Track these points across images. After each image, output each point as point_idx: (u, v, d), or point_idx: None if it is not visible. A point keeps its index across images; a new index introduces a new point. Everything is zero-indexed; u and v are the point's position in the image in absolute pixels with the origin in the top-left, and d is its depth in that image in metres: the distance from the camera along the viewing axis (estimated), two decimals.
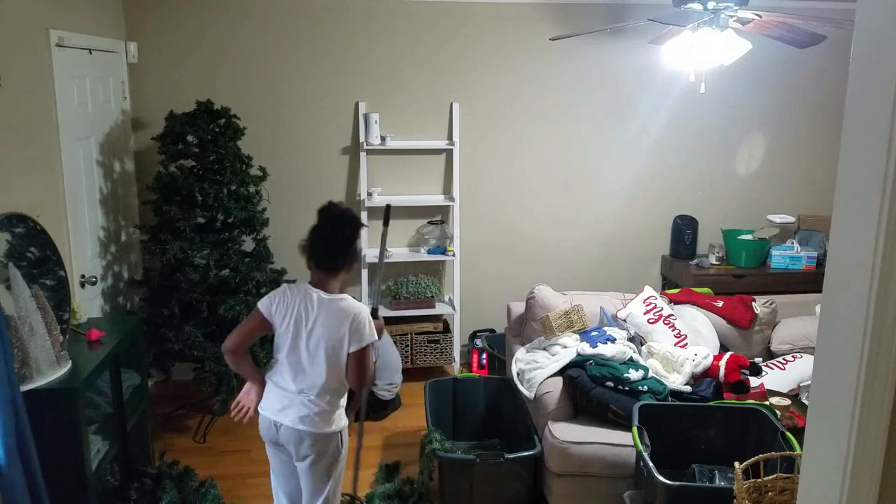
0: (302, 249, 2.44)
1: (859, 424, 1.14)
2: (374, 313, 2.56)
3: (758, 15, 3.18)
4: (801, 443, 1.82)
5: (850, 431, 1.15)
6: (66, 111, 3.28)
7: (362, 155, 4.49)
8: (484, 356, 4.51)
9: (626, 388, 2.99)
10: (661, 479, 2.26)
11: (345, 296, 2.43)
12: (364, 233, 4.50)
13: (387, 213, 2.88)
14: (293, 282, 2.56)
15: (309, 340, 2.37)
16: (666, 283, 4.96)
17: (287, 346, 2.39)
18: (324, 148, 4.53)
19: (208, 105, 3.87)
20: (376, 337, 2.42)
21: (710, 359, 3.25)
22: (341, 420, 2.47)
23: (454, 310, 4.66)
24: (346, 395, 2.51)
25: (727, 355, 3.26)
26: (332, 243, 2.42)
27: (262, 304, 2.43)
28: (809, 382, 2.02)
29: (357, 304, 2.41)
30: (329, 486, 2.47)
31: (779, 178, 4.98)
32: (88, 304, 3.49)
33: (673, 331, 3.49)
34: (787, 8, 3.95)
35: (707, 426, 2.75)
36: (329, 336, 2.35)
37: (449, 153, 4.64)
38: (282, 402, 2.41)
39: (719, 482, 2.52)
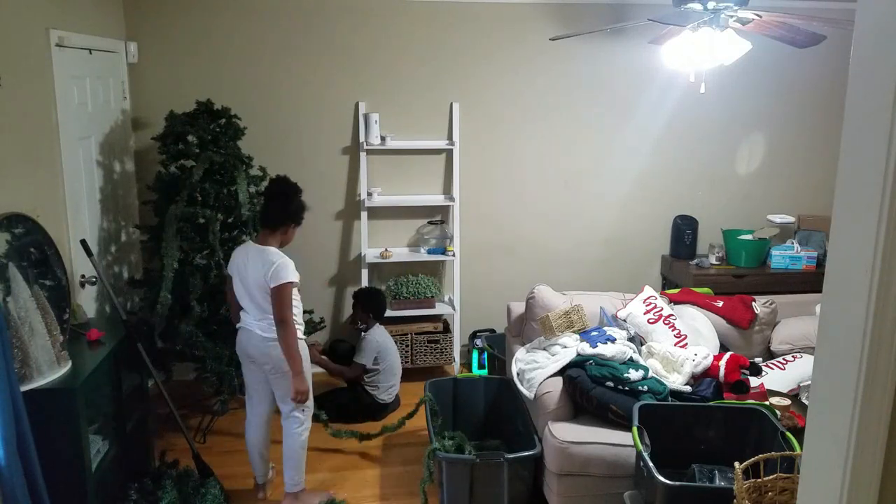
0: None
1: (859, 424, 1.14)
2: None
3: (758, 15, 3.18)
4: (801, 443, 1.82)
5: (850, 431, 1.15)
6: (66, 111, 3.28)
7: (362, 155, 4.49)
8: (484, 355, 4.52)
9: (626, 388, 2.99)
10: (661, 479, 2.26)
11: (272, 248, 3.03)
12: (364, 233, 4.54)
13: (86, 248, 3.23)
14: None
15: (246, 280, 3.04)
16: (666, 283, 4.96)
17: (238, 287, 3.10)
18: (324, 148, 4.53)
19: (208, 105, 3.88)
20: (292, 279, 2.96)
21: (710, 359, 3.25)
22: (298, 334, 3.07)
23: (454, 310, 4.67)
24: (294, 323, 3.04)
25: (727, 355, 3.25)
26: (268, 206, 3.10)
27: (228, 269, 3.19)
28: (809, 382, 2.02)
29: (278, 253, 3.02)
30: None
31: (779, 178, 4.98)
32: (88, 304, 3.49)
33: (673, 331, 3.49)
34: (787, 8, 3.95)
35: (707, 426, 2.75)
36: (254, 276, 3.00)
37: (449, 153, 4.64)
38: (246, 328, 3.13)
39: (719, 482, 2.52)
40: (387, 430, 3.74)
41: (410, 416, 3.73)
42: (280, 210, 3.06)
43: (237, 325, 3.17)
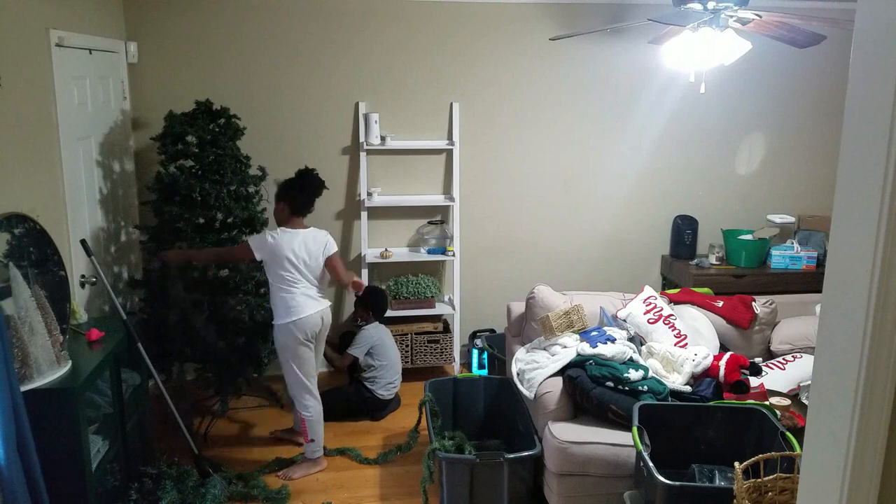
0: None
1: (859, 424, 1.14)
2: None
3: (758, 15, 3.18)
4: (801, 443, 1.82)
5: (850, 431, 1.15)
6: (66, 111, 3.28)
7: (362, 155, 4.49)
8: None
9: (626, 388, 2.99)
10: (661, 479, 2.26)
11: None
12: (364, 233, 4.54)
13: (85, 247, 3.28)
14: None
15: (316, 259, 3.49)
16: (666, 283, 4.96)
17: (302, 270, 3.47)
18: (324, 148, 4.53)
19: (208, 105, 3.87)
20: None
21: (710, 359, 3.25)
22: (278, 318, 3.41)
23: (454, 310, 4.67)
24: (279, 297, 3.39)
25: (727, 355, 3.25)
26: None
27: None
28: (809, 382, 2.02)
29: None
30: (287, 371, 3.49)
31: (779, 178, 4.98)
32: (88, 304, 3.49)
33: (673, 331, 3.49)
34: (787, 8, 3.96)
35: (707, 426, 2.75)
36: (316, 252, 3.48)
37: (449, 153, 4.64)
38: None
39: (719, 482, 2.52)
40: (401, 450, 3.76)
41: (415, 431, 3.77)
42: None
43: (312, 310, 3.43)
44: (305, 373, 3.46)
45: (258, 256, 3.35)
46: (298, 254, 3.36)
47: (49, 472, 2.34)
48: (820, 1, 4.54)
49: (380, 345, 4.11)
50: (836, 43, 3.80)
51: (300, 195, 3.43)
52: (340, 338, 4.51)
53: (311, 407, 3.49)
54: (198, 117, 3.81)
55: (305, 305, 3.40)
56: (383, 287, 4.61)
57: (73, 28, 3.39)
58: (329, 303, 3.56)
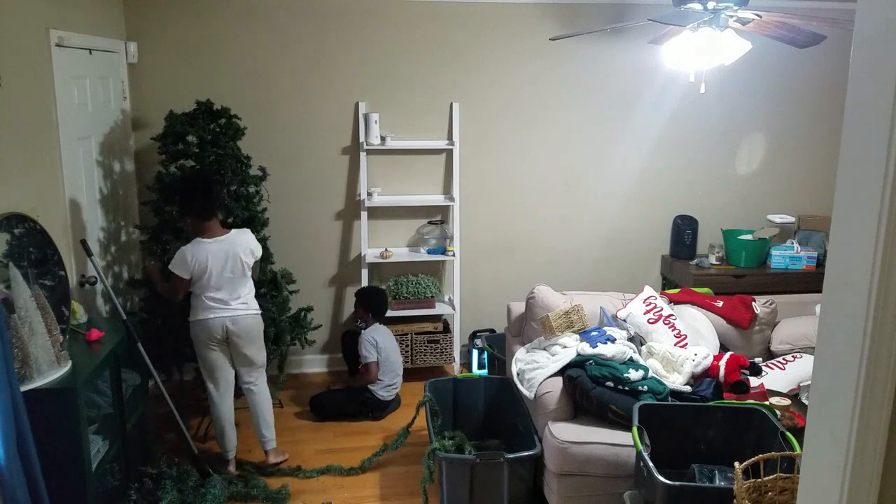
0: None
1: (859, 424, 1.14)
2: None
3: (758, 15, 3.18)
4: (801, 443, 1.82)
5: (850, 431, 1.15)
6: (66, 111, 3.28)
7: (362, 155, 4.49)
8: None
9: (626, 388, 2.99)
10: (661, 479, 2.26)
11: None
12: (364, 233, 4.54)
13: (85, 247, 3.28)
14: None
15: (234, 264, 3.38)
16: (666, 283, 4.96)
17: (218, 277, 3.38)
18: (324, 148, 4.53)
19: (208, 105, 3.87)
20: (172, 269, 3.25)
21: (710, 359, 3.25)
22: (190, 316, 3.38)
23: (454, 310, 4.66)
24: (191, 300, 3.35)
25: (727, 355, 3.25)
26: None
27: None
28: (809, 382, 2.02)
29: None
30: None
31: (779, 178, 4.98)
32: (88, 304, 3.49)
33: (673, 331, 3.49)
34: (787, 8, 3.96)
35: (707, 426, 2.75)
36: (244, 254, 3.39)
37: (449, 153, 4.64)
38: None
39: (719, 482, 2.52)
40: (387, 448, 3.68)
41: (406, 430, 3.71)
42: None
43: (211, 315, 3.31)
44: (205, 373, 3.47)
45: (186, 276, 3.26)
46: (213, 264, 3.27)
47: (49, 472, 2.34)
48: (820, 1, 4.54)
49: (380, 346, 4.11)
50: (836, 43, 3.80)
51: (193, 201, 3.27)
52: (342, 337, 4.53)
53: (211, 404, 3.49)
54: (198, 117, 3.81)
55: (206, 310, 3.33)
56: (383, 287, 4.61)
57: (73, 28, 3.39)
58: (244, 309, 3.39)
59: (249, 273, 3.41)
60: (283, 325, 3.93)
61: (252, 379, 3.53)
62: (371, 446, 3.78)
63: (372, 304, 4.22)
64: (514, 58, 4.56)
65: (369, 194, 4.51)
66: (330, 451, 3.78)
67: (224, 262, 3.28)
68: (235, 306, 3.36)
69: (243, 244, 3.36)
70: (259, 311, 3.48)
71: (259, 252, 3.44)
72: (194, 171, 3.41)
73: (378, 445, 3.79)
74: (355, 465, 3.60)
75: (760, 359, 3.57)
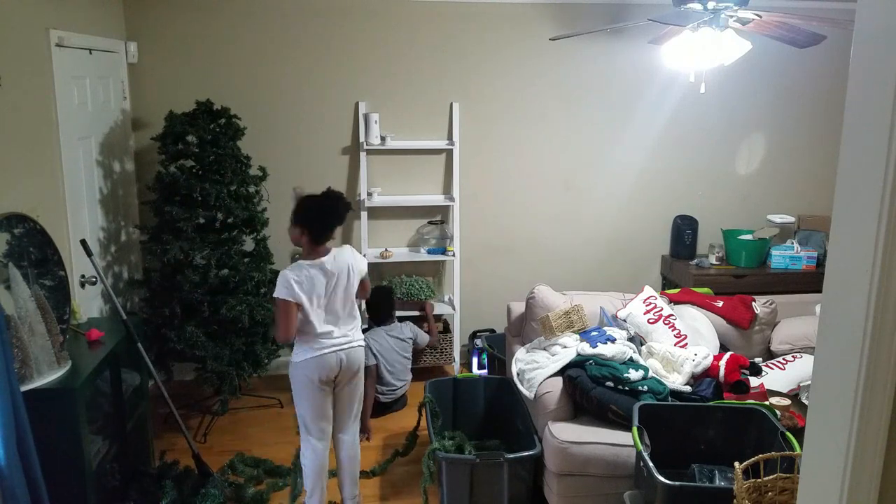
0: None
1: (859, 424, 1.14)
2: None
3: (758, 15, 3.18)
4: (801, 443, 1.82)
5: (850, 431, 1.15)
6: (66, 111, 3.28)
7: (362, 155, 4.49)
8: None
9: (626, 388, 2.99)
10: (661, 479, 2.26)
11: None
12: (364, 233, 4.54)
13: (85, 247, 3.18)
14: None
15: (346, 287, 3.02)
16: (666, 283, 4.96)
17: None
18: (324, 148, 4.53)
19: (208, 105, 3.88)
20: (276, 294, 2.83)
21: (710, 359, 3.25)
22: (293, 357, 2.95)
23: (454, 310, 4.66)
24: (299, 340, 2.92)
25: (727, 355, 3.25)
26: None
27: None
28: (809, 382, 2.02)
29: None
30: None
31: (779, 178, 4.98)
32: (88, 304, 3.49)
33: (673, 331, 3.49)
34: (787, 8, 3.96)
35: (707, 426, 2.75)
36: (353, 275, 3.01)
37: (449, 153, 4.64)
38: None
39: (719, 482, 2.52)
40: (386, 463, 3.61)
41: (414, 433, 3.70)
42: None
43: (325, 350, 2.89)
44: (309, 420, 3.00)
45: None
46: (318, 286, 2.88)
47: (49, 472, 2.34)
48: (820, 1, 4.54)
49: (375, 352, 4.01)
50: (836, 43, 3.79)
51: (320, 220, 2.93)
52: None
53: (305, 455, 3.04)
54: (198, 117, 3.81)
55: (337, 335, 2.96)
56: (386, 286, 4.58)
57: (73, 28, 3.39)
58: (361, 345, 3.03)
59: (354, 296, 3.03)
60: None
61: (350, 426, 3.10)
62: (372, 446, 3.78)
63: (369, 308, 4.19)
64: (514, 58, 4.56)
65: (369, 194, 4.51)
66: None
67: (334, 284, 2.90)
68: (346, 338, 2.96)
69: (348, 261, 2.95)
70: (364, 343, 3.10)
71: (364, 268, 3.07)
72: (332, 192, 3.01)
73: (378, 446, 3.79)
74: (368, 468, 3.53)
75: (760, 359, 3.57)
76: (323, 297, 2.88)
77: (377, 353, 4.01)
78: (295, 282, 2.81)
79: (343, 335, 2.95)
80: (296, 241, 2.99)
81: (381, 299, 4.22)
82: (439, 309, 4.66)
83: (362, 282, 3.06)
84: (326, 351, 2.89)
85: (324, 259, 2.89)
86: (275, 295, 2.82)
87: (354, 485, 3.16)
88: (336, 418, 3.06)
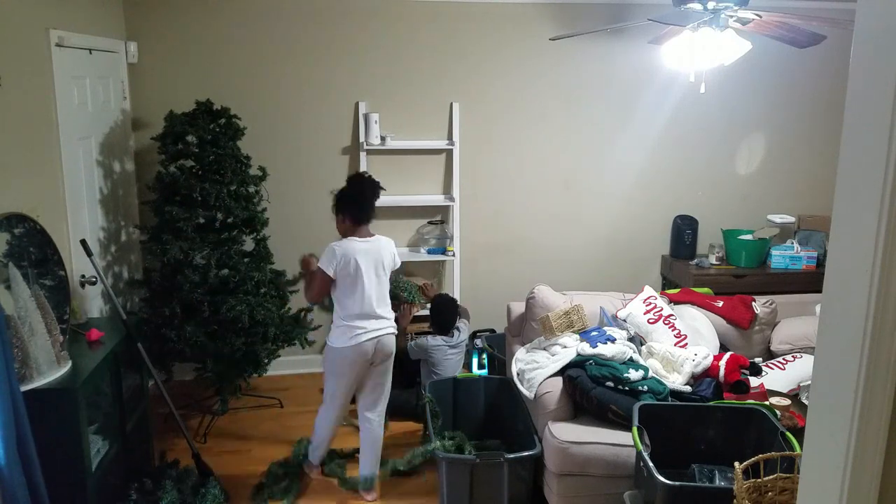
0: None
1: (859, 424, 1.14)
2: None
3: (758, 15, 3.18)
4: (801, 443, 1.82)
5: (850, 431, 1.15)
6: (66, 111, 3.28)
7: (362, 155, 4.49)
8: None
9: (626, 388, 2.99)
10: (661, 479, 2.26)
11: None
12: None
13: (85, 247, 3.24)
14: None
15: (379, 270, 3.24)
16: (666, 283, 4.96)
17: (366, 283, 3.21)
18: (324, 148, 4.53)
19: (208, 105, 3.87)
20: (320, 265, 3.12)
21: (710, 359, 3.25)
22: (330, 340, 3.22)
23: None
24: (335, 314, 3.20)
25: (727, 355, 3.26)
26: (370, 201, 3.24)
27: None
28: (809, 382, 2.02)
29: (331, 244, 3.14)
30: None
31: (779, 178, 4.98)
32: (88, 304, 3.49)
33: (673, 331, 3.49)
34: (787, 8, 3.95)
35: (707, 426, 2.75)
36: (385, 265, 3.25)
37: (449, 153, 4.64)
38: None
39: (719, 482, 2.52)
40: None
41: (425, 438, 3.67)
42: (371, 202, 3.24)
43: (361, 339, 3.13)
44: (333, 397, 3.31)
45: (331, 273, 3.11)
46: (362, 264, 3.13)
47: (49, 472, 2.34)
48: (820, 1, 4.54)
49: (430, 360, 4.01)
50: (836, 43, 3.79)
51: (353, 203, 3.18)
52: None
53: (324, 416, 3.38)
54: (198, 117, 3.81)
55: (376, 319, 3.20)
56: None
57: (73, 28, 3.39)
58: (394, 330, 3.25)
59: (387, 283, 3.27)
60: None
61: (378, 405, 3.34)
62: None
63: (432, 315, 4.14)
64: (514, 58, 4.56)
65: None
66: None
67: (373, 264, 3.14)
68: (381, 324, 3.20)
69: (387, 249, 3.22)
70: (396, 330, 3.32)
71: (398, 262, 3.31)
72: (363, 176, 3.29)
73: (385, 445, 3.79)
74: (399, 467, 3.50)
75: (760, 359, 3.57)
76: (358, 275, 3.11)
77: (436, 362, 3.97)
78: (337, 252, 3.09)
79: (378, 321, 3.18)
80: (343, 232, 3.21)
81: (445, 308, 4.16)
82: None
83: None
84: (363, 339, 3.13)
85: (361, 239, 3.16)
86: (318, 265, 3.12)
87: (376, 464, 3.38)
88: (365, 397, 3.33)
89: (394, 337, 3.26)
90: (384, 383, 3.33)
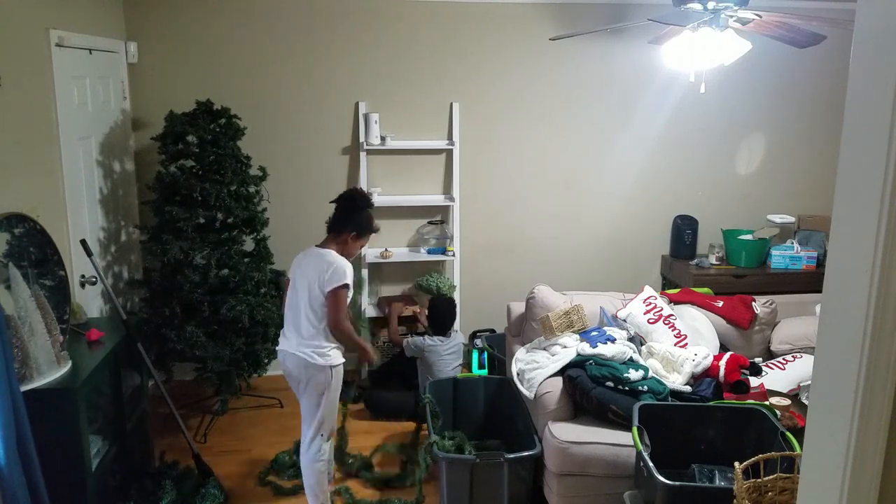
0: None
1: (859, 424, 1.14)
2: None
3: (758, 15, 3.18)
4: (801, 443, 1.82)
5: (850, 431, 1.15)
6: (66, 111, 3.28)
7: (362, 155, 4.49)
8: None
9: (626, 388, 2.99)
10: (661, 479, 2.26)
11: (331, 251, 2.96)
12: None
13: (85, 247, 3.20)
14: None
15: (297, 284, 2.97)
16: (666, 283, 4.96)
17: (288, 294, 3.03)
18: (324, 148, 4.53)
19: (208, 105, 3.88)
20: (345, 282, 2.89)
21: (710, 359, 3.25)
22: (334, 359, 2.96)
23: None
24: (321, 332, 2.94)
25: (727, 355, 3.25)
26: (334, 211, 3.06)
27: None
28: (809, 382, 2.02)
29: (337, 258, 2.94)
30: (319, 412, 2.98)
31: (779, 178, 4.98)
32: (88, 304, 3.49)
33: (673, 331, 3.49)
34: (787, 8, 3.95)
35: (707, 426, 2.75)
36: (309, 280, 2.92)
37: (449, 153, 4.64)
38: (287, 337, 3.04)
39: (719, 482, 2.52)
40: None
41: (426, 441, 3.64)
42: (341, 215, 3.03)
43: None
44: (331, 422, 3.09)
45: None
46: (295, 272, 3.02)
47: (49, 472, 2.34)
48: (820, 1, 4.54)
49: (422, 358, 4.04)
50: (836, 43, 3.79)
51: (335, 208, 3.07)
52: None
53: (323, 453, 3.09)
54: (198, 117, 3.81)
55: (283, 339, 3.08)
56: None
57: (73, 28, 3.39)
58: (304, 359, 2.93)
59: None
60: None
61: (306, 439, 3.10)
62: (371, 446, 3.78)
63: (430, 317, 4.18)
64: (514, 58, 4.56)
65: (369, 194, 4.50)
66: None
67: (304, 277, 2.95)
68: (286, 344, 3.05)
69: (317, 266, 2.94)
70: None
71: (328, 284, 2.90)
72: (353, 189, 3.18)
73: (379, 444, 3.79)
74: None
75: (760, 359, 3.57)
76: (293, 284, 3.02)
77: (430, 363, 4.02)
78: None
79: (286, 339, 3.06)
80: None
81: (444, 310, 4.20)
82: None
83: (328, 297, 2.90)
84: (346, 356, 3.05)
85: (318, 247, 3.04)
86: (346, 281, 2.89)
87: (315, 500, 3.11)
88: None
89: (298, 357, 2.94)
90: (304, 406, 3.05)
